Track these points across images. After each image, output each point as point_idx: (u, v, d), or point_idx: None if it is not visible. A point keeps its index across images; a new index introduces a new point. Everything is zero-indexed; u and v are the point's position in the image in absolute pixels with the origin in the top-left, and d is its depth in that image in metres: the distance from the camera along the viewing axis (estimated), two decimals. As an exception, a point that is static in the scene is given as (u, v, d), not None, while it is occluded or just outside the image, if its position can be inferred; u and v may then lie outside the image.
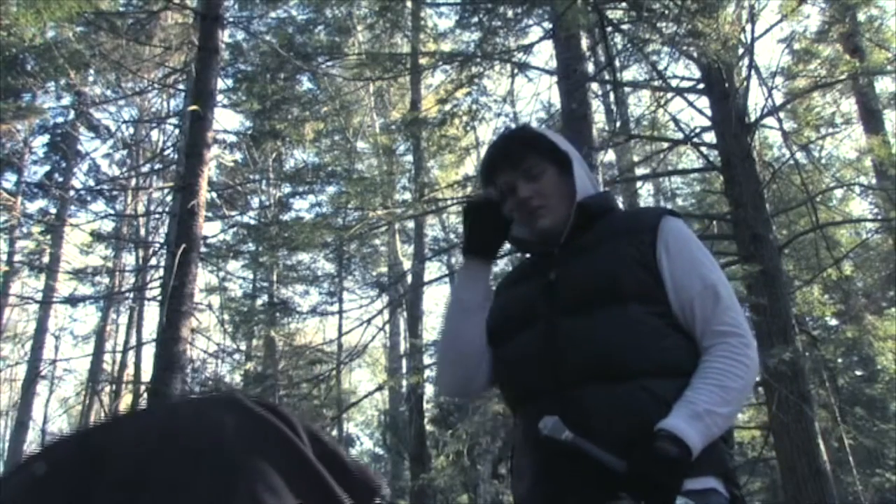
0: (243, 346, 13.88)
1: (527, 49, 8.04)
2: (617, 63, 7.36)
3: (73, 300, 12.94)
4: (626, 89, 9.61)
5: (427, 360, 10.27)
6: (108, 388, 13.61)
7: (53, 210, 13.79)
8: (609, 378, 1.44)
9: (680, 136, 8.15)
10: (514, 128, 1.85)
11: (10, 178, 13.85)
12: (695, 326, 1.51)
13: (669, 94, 8.11)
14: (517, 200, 1.66)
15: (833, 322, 12.15)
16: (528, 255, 1.85)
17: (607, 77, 7.42)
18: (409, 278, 12.51)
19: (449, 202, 9.33)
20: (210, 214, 10.76)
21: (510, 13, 7.24)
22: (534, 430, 1.42)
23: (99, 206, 13.77)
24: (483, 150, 15.84)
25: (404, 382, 12.16)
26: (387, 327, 14.55)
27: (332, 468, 0.54)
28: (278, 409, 0.56)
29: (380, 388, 14.03)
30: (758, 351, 1.55)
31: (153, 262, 9.77)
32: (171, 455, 0.51)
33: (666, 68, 7.73)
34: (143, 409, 0.55)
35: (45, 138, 14.73)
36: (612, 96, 8.75)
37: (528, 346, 1.55)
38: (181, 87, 9.84)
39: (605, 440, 1.38)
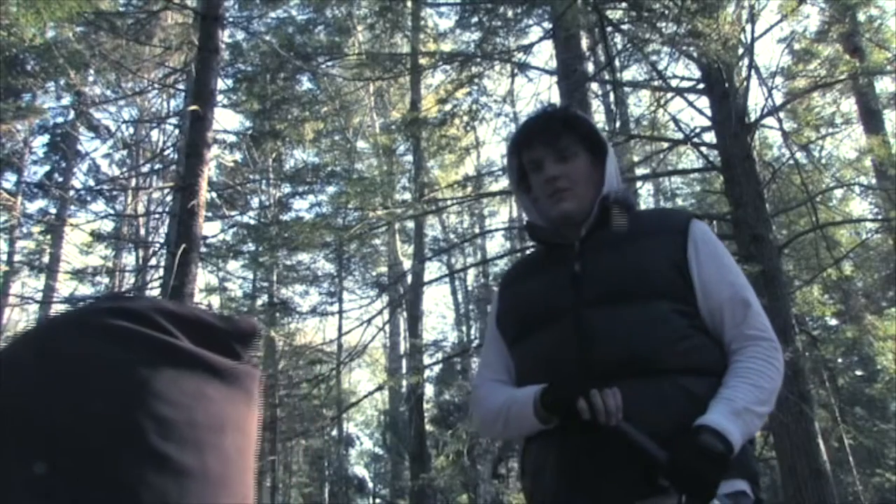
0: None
1: (527, 49, 8.05)
2: (617, 63, 7.36)
3: (73, 300, 12.91)
4: (626, 89, 9.60)
5: (427, 359, 10.26)
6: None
7: (53, 210, 13.79)
8: (641, 374, 1.44)
9: (680, 136, 8.14)
10: (556, 107, 1.80)
11: (10, 178, 13.88)
12: (724, 331, 1.52)
13: (669, 94, 8.10)
14: (543, 178, 1.63)
15: (833, 322, 12.14)
16: (533, 250, 1.85)
17: (607, 77, 7.42)
18: (409, 278, 12.51)
19: (449, 202, 9.32)
20: (210, 214, 10.75)
21: (510, 13, 7.24)
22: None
23: (99, 206, 13.81)
24: (483, 150, 15.86)
25: (404, 382, 12.15)
26: (387, 327, 14.56)
27: (198, 336, 0.51)
28: (127, 309, 0.51)
29: (380, 388, 14.04)
30: None
31: (153, 262, 9.77)
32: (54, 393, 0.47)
33: (666, 68, 7.72)
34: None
35: (45, 138, 14.77)
36: (612, 96, 8.74)
37: (558, 342, 1.52)
38: (181, 87, 9.84)
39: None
